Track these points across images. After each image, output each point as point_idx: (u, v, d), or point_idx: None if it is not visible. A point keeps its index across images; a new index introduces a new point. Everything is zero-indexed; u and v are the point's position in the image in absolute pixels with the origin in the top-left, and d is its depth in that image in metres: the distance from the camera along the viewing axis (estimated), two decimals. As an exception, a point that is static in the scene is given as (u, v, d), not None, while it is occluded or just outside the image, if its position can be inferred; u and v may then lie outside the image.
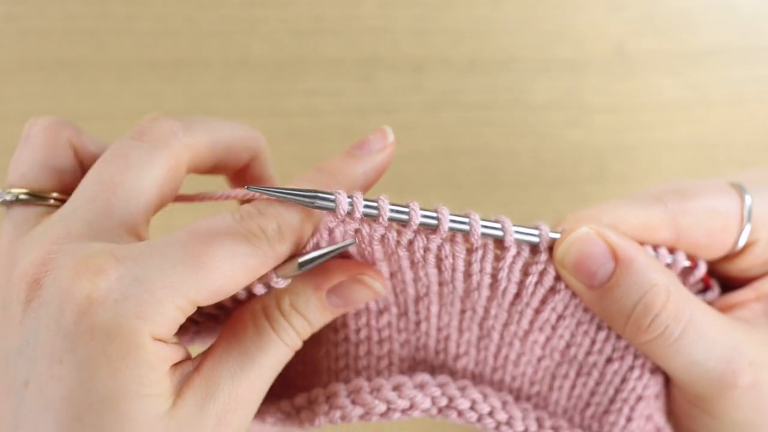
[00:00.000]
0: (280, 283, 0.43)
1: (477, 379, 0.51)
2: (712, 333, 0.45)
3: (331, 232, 0.43)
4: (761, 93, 0.79)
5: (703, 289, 0.51)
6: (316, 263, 0.43)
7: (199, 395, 0.42)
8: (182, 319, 0.41)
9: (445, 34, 0.77)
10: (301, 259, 0.42)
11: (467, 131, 0.76)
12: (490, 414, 0.49)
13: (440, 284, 0.47)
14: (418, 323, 0.50)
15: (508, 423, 0.49)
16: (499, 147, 0.76)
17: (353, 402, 0.48)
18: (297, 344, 0.46)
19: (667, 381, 0.51)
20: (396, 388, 0.48)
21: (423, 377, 0.49)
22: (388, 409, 0.47)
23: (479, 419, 0.49)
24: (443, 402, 0.48)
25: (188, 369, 0.43)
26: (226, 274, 0.40)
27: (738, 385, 0.45)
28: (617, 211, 0.47)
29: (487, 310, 0.48)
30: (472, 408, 0.49)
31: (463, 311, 0.49)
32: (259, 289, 0.44)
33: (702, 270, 0.49)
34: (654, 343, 0.45)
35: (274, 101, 0.75)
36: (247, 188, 0.41)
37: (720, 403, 0.46)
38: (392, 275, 0.47)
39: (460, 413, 0.48)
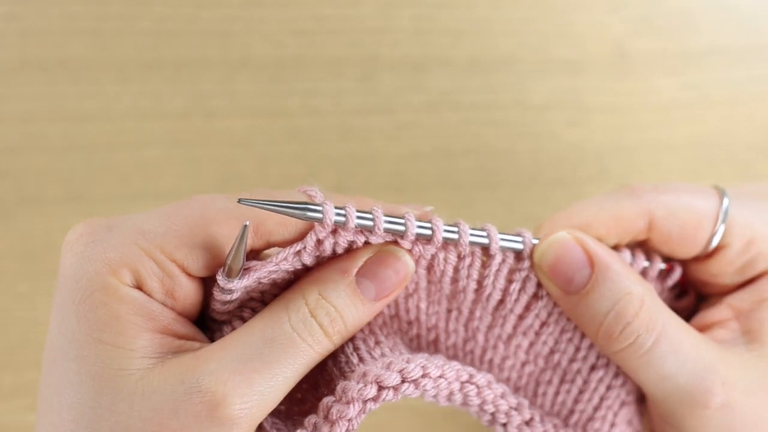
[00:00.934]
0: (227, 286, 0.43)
1: None
2: (684, 348, 0.45)
3: (319, 242, 0.43)
4: (761, 93, 0.79)
5: (680, 293, 0.51)
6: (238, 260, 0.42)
7: (185, 380, 0.39)
8: (156, 270, 0.40)
9: (445, 34, 0.77)
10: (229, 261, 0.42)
11: (467, 131, 0.76)
12: (502, 396, 0.48)
13: (429, 282, 0.47)
14: (409, 323, 0.50)
15: (517, 409, 0.48)
16: (499, 147, 0.76)
17: (387, 368, 0.44)
18: (326, 347, 0.42)
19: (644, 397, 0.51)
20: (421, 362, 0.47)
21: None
22: (424, 374, 0.44)
23: (485, 403, 0.48)
24: (465, 377, 0.46)
25: (188, 346, 0.41)
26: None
27: (709, 405, 0.44)
28: (590, 209, 0.47)
29: (472, 312, 0.49)
30: (488, 387, 0.47)
31: (449, 310, 0.49)
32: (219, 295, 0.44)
33: (677, 273, 0.49)
34: (625, 353, 0.45)
35: (274, 101, 0.75)
36: (240, 201, 0.41)
37: (691, 422, 0.45)
38: None
39: (479, 390, 0.47)
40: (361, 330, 0.47)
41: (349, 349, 0.46)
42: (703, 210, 0.47)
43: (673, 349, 0.44)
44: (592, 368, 0.50)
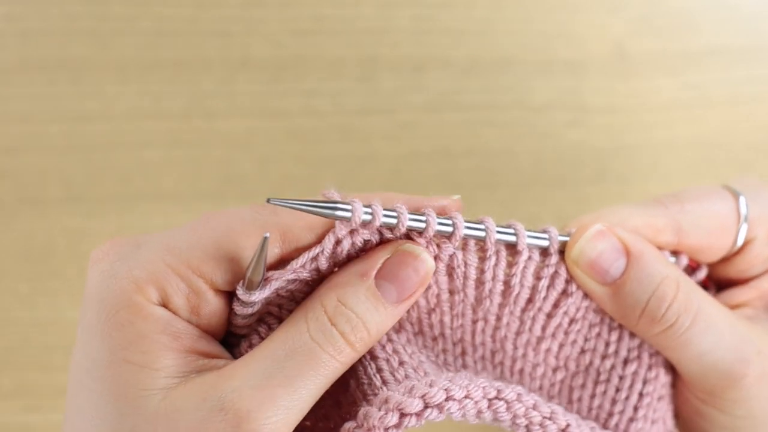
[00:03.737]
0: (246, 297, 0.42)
1: None
2: (719, 324, 0.46)
3: (338, 243, 0.42)
4: (761, 93, 0.79)
5: (703, 287, 0.50)
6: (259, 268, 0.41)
7: (207, 399, 0.38)
8: (182, 286, 0.40)
9: (445, 34, 0.77)
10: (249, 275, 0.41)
11: (467, 131, 0.76)
12: (534, 407, 0.46)
13: (450, 292, 0.46)
14: (434, 339, 0.49)
15: (551, 418, 0.46)
16: (499, 147, 0.76)
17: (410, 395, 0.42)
18: (349, 356, 0.41)
19: (675, 384, 0.51)
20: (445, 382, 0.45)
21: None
22: (447, 398, 0.42)
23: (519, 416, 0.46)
24: (492, 393, 0.44)
25: (212, 364, 0.41)
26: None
27: (748, 374, 0.46)
28: (620, 213, 0.48)
29: (498, 318, 0.48)
30: (518, 400, 0.45)
31: (474, 321, 0.48)
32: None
33: (704, 272, 0.50)
34: (665, 334, 0.46)
35: (274, 101, 0.75)
36: (269, 201, 0.40)
37: (731, 395, 0.47)
38: None
39: (509, 405, 0.45)
40: (384, 349, 0.45)
41: (372, 370, 0.45)
42: (723, 213, 0.49)
43: (709, 325, 0.46)
44: (625, 362, 0.49)
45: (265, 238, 0.39)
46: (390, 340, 0.46)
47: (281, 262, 0.43)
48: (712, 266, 0.51)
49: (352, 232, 0.42)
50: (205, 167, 0.74)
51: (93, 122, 0.73)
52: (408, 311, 0.46)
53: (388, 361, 0.45)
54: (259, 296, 0.42)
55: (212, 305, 0.42)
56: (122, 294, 0.40)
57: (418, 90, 0.76)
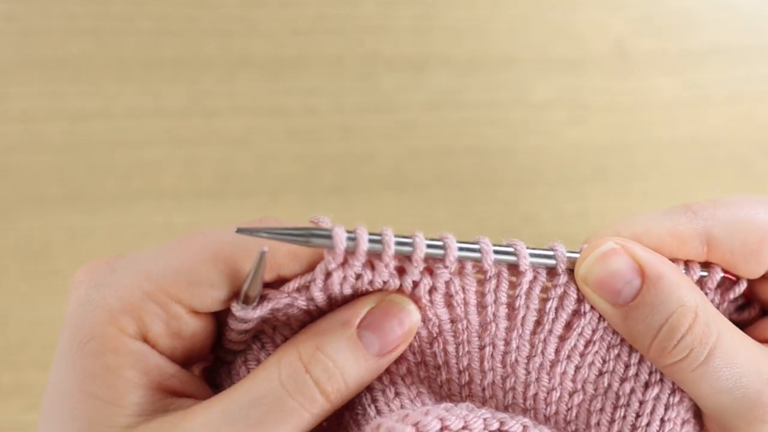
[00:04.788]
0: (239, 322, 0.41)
1: None
2: (740, 360, 0.41)
3: (328, 275, 0.40)
4: (761, 92, 0.79)
5: (742, 305, 0.47)
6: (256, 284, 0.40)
7: None
8: (160, 313, 0.38)
9: (446, 33, 0.77)
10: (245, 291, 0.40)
11: (467, 130, 0.76)
12: None
13: (452, 321, 0.44)
14: (438, 368, 0.46)
15: None
16: (499, 146, 0.76)
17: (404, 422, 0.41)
18: (322, 407, 0.38)
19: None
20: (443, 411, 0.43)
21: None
22: (443, 427, 0.40)
23: None
24: (494, 425, 0.42)
25: (180, 403, 0.39)
26: None
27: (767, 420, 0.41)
28: (641, 221, 0.44)
29: (507, 343, 0.45)
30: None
31: (482, 347, 0.45)
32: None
33: (743, 286, 0.45)
34: (678, 366, 0.42)
35: (274, 100, 0.75)
36: (238, 230, 0.38)
37: None
38: None
39: None
40: (380, 380, 0.43)
41: (367, 400, 0.43)
42: (763, 221, 0.43)
43: (727, 362, 0.41)
44: (646, 386, 0.46)
45: (263, 253, 0.38)
46: (388, 371, 0.44)
47: (264, 287, 0.41)
48: (754, 284, 0.46)
49: (344, 264, 0.40)
50: (205, 166, 0.74)
51: (93, 121, 0.73)
52: (410, 343, 0.44)
53: (383, 391, 0.43)
54: (254, 314, 0.41)
55: (193, 327, 0.40)
56: (95, 324, 0.38)
57: (419, 89, 0.76)
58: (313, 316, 0.43)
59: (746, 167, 0.79)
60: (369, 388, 0.43)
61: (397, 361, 0.45)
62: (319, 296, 0.41)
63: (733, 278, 0.45)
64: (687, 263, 0.44)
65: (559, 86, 0.77)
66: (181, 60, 0.74)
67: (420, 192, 0.74)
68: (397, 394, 0.43)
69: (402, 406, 0.43)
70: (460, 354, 0.45)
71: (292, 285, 0.41)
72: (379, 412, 0.42)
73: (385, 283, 0.41)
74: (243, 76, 0.75)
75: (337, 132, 0.75)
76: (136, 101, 0.74)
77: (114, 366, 0.38)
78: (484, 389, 0.46)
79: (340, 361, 0.38)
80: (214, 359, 0.46)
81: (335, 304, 0.43)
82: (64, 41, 0.74)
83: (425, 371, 0.45)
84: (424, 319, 0.43)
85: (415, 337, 0.44)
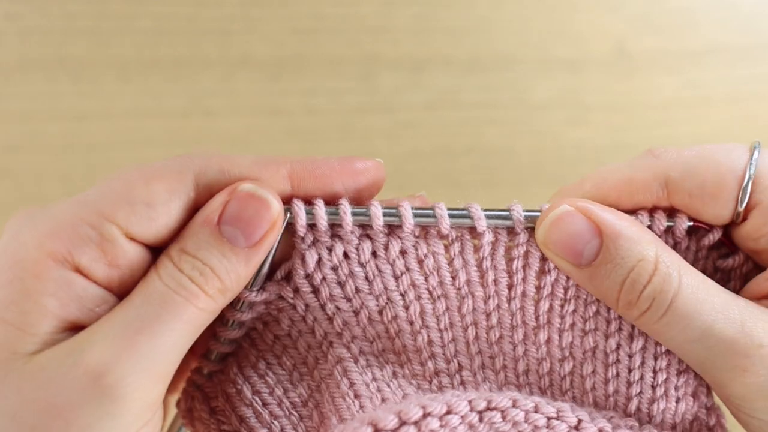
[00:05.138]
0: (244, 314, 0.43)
1: None
2: (706, 308, 0.40)
3: (303, 258, 0.42)
4: (762, 92, 0.79)
5: (727, 254, 0.45)
6: (262, 272, 0.41)
7: (70, 354, 0.36)
8: (93, 235, 0.37)
9: (445, 33, 0.77)
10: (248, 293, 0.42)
11: (467, 130, 0.76)
12: (536, 410, 0.43)
13: (432, 301, 0.44)
14: (422, 364, 0.46)
15: (558, 417, 0.43)
16: (500, 146, 0.76)
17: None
18: (206, 302, 0.38)
19: None
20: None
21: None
22: (425, 414, 0.41)
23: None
24: (482, 405, 0.42)
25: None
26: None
27: (747, 370, 0.40)
28: (599, 173, 0.44)
29: (488, 316, 0.45)
30: (514, 406, 0.43)
31: (465, 328, 0.45)
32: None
33: (716, 233, 0.44)
34: (645, 318, 0.41)
35: (274, 100, 0.75)
36: None
37: (733, 392, 0.41)
38: (381, 312, 0.44)
39: (505, 414, 0.42)
40: (368, 388, 0.44)
41: (355, 407, 0.43)
42: (726, 165, 0.42)
43: (692, 310, 0.40)
44: (631, 338, 0.45)
45: (284, 221, 0.39)
46: (374, 378, 0.45)
47: (196, 207, 0.40)
48: (733, 231, 0.44)
49: (315, 243, 0.42)
50: (205, 166, 0.74)
51: (92, 121, 0.73)
52: (393, 340, 0.45)
53: (371, 399, 0.44)
54: (258, 297, 0.42)
55: (131, 255, 0.38)
56: (21, 249, 0.37)
57: (418, 89, 0.76)
58: (307, 322, 0.44)
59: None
60: (357, 396, 0.44)
61: (382, 367, 0.45)
62: (302, 284, 0.42)
63: (705, 227, 0.44)
64: (652, 213, 0.44)
65: (559, 86, 0.77)
66: (180, 60, 0.74)
67: (420, 192, 0.74)
68: (383, 400, 0.44)
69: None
70: (446, 341, 0.45)
71: (279, 273, 0.42)
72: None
73: (364, 266, 0.42)
74: (243, 76, 0.75)
75: (337, 132, 0.75)
76: (136, 101, 0.74)
77: (32, 292, 0.37)
78: (475, 374, 0.46)
79: (206, 259, 0.38)
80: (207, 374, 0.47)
81: (324, 304, 0.44)
82: (64, 41, 0.74)
83: (410, 369, 0.46)
84: (405, 305, 0.44)
85: (398, 338, 0.45)
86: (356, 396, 0.44)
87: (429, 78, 0.76)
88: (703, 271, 0.43)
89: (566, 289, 0.45)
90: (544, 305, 0.45)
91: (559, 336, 0.45)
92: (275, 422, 0.46)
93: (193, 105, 0.74)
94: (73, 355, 0.36)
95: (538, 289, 0.44)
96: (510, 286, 0.44)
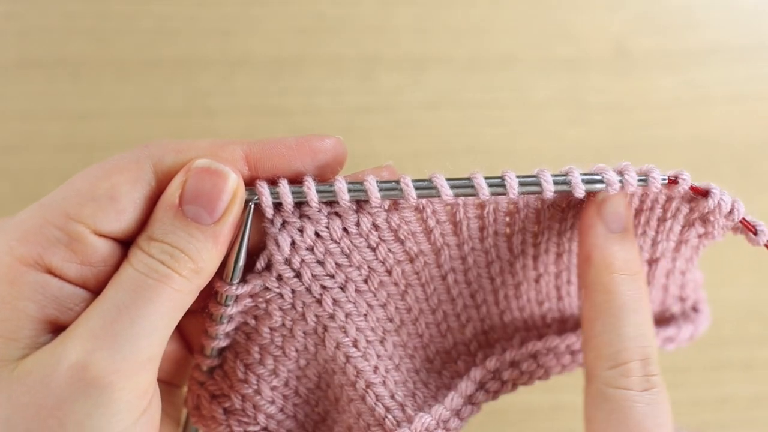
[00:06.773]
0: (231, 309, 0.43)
1: (489, 333, 0.50)
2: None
3: (277, 242, 0.42)
4: (762, 91, 0.79)
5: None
6: (238, 264, 0.41)
7: (54, 353, 0.36)
8: (61, 236, 0.37)
9: (446, 32, 0.77)
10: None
11: (467, 130, 0.76)
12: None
13: (410, 260, 0.46)
14: (415, 321, 0.49)
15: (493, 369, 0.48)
16: (499, 145, 0.76)
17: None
18: (180, 282, 0.38)
19: None
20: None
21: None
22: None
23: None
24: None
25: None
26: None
27: None
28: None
29: (463, 260, 0.47)
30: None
31: (443, 276, 0.47)
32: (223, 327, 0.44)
33: (685, 178, 0.47)
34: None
35: (274, 100, 0.75)
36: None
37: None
38: (366, 281, 0.46)
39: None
40: (376, 373, 0.47)
41: (372, 399, 0.46)
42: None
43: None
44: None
45: (250, 207, 0.40)
46: (379, 356, 0.47)
47: (158, 195, 0.40)
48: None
49: (285, 225, 0.42)
50: (205, 166, 0.74)
51: (93, 120, 0.73)
52: (384, 306, 0.46)
53: (384, 383, 0.47)
54: (239, 290, 0.42)
55: (102, 251, 0.39)
56: None
57: (418, 88, 0.76)
58: (297, 309, 0.45)
59: (746, 166, 0.79)
60: (367, 384, 0.46)
61: (381, 339, 0.47)
62: (284, 270, 0.43)
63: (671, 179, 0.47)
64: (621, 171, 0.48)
65: (559, 85, 0.77)
66: (181, 59, 0.74)
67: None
68: (402, 406, 0.46)
69: (395, 382, 0.47)
70: (429, 294, 0.47)
71: (259, 264, 0.43)
72: (378, 397, 0.46)
73: (337, 242, 0.43)
74: (243, 76, 0.75)
75: (337, 132, 0.75)
76: (136, 101, 0.74)
77: (9, 298, 0.37)
78: (458, 316, 0.49)
79: (174, 242, 0.38)
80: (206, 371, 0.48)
81: (310, 287, 0.44)
82: (64, 40, 0.74)
83: (407, 332, 0.48)
84: (387, 270, 0.45)
85: (390, 303, 0.47)
86: (367, 386, 0.46)
87: (429, 77, 0.76)
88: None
89: (538, 223, 0.46)
90: (518, 239, 0.47)
91: (534, 261, 0.48)
92: (299, 410, 0.49)
93: (193, 104, 0.74)
94: (56, 355, 0.36)
95: (510, 226, 0.46)
96: (482, 229, 0.46)
